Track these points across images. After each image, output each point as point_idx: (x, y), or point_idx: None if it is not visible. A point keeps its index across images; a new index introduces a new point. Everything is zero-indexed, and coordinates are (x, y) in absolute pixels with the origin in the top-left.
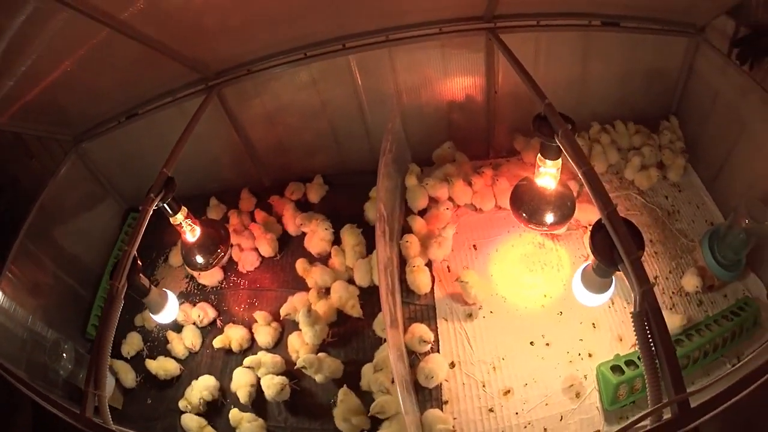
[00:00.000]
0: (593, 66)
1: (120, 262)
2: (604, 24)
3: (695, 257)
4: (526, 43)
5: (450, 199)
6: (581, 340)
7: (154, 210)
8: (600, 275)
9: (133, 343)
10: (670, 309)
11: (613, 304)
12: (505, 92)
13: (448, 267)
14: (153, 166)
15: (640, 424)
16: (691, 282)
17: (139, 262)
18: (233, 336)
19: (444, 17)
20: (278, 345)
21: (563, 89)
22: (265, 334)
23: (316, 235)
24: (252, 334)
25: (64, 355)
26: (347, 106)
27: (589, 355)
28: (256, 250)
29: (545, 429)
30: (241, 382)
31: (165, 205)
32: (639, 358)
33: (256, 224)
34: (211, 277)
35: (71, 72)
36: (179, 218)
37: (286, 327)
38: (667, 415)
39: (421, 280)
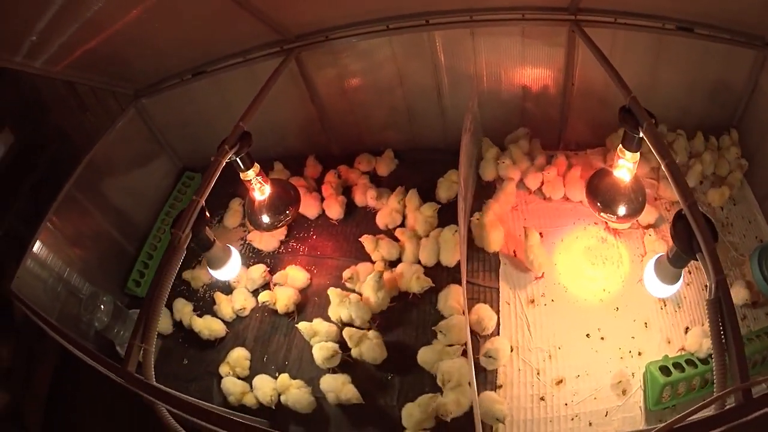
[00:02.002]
0: (663, 70)
1: (185, 211)
2: (678, 28)
3: (743, 271)
4: (602, 39)
5: (521, 182)
6: (633, 337)
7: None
8: (675, 264)
9: (179, 309)
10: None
11: (665, 305)
12: (581, 86)
13: (514, 252)
14: (213, 127)
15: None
16: (738, 294)
17: (207, 213)
18: (280, 296)
19: (528, 4)
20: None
21: (632, 90)
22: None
23: (388, 207)
24: (299, 295)
25: (102, 306)
26: (425, 82)
27: (639, 354)
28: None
29: (590, 423)
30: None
31: (238, 159)
32: (686, 362)
33: (327, 185)
34: (267, 243)
35: (138, 23)
36: (251, 174)
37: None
38: (730, 403)
39: (492, 235)
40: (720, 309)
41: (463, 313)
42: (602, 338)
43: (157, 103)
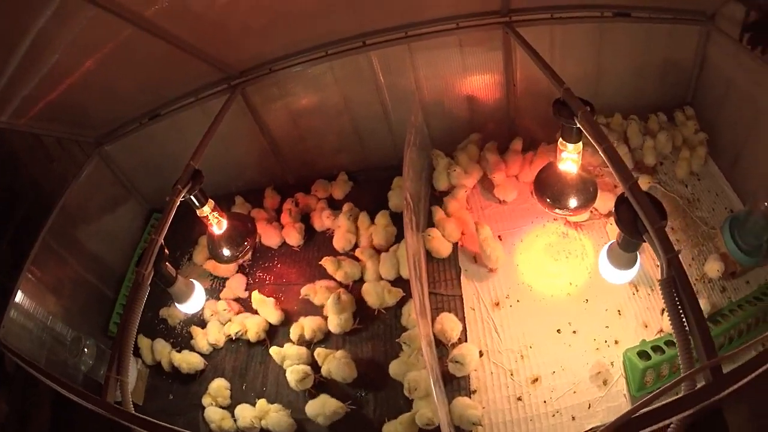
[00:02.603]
0: (607, 58)
1: (147, 250)
2: (615, 15)
3: (717, 244)
4: (540, 36)
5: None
6: (607, 327)
7: (180, 205)
8: (625, 249)
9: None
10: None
11: (637, 290)
12: (523, 86)
13: (474, 258)
14: (176, 168)
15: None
16: (713, 268)
17: (166, 250)
18: (250, 326)
19: (461, 12)
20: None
21: (578, 82)
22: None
23: (341, 229)
24: (268, 323)
25: (86, 350)
26: (369, 102)
27: (615, 342)
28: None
29: (573, 417)
30: None
31: (192, 197)
32: (666, 343)
33: (285, 213)
34: (225, 271)
35: (94, 72)
36: (206, 210)
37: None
38: (700, 382)
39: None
40: (675, 287)
41: (417, 322)
42: (574, 332)
43: (119, 149)
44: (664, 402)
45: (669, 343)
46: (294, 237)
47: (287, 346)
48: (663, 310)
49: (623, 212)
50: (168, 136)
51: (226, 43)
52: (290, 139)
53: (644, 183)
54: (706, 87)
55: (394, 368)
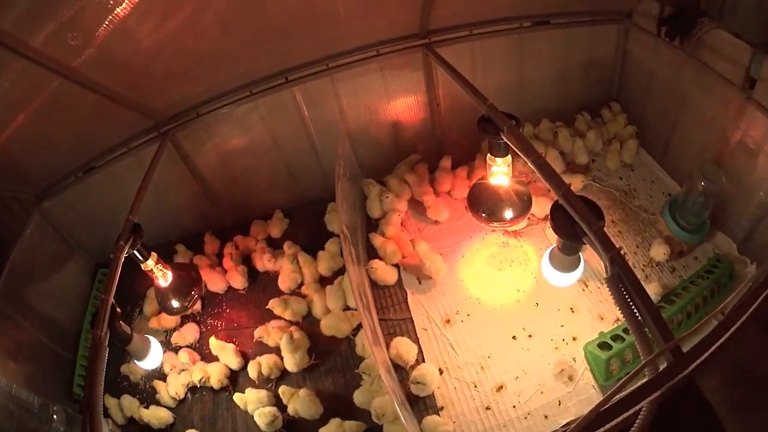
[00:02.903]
0: (530, 67)
1: (99, 310)
2: (534, 24)
3: (659, 228)
4: (461, 54)
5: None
6: (562, 326)
7: (124, 260)
8: (566, 253)
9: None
10: (644, 281)
11: (587, 286)
12: (447, 103)
13: (418, 279)
14: (115, 221)
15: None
16: (659, 251)
17: (118, 309)
18: (212, 373)
19: (381, 39)
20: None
21: (502, 93)
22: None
23: (285, 271)
24: (229, 369)
25: (55, 416)
26: (296, 138)
27: (574, 339)
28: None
29: (545, 416)
30: None
31: (135, 252)
32: (624, 330)
33: (226, 258)
34: (185, 338)
35: (28, 126)
36: (150, 264)
37: (256, 351)
38: (662, 365)
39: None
40: (621, 282)
41: (371, 351)
42: (530, 336)
43: (58, 205)
44: (632, 389)
45: (627, 330)
46: (238, 280)
47: (248, 390)
48: None
49: (559, 219)
50: (104, 188)
51: (152, 90)
52: (223, 181)
53: (579, 181)
54: (629, 81)
55: (358, 397)
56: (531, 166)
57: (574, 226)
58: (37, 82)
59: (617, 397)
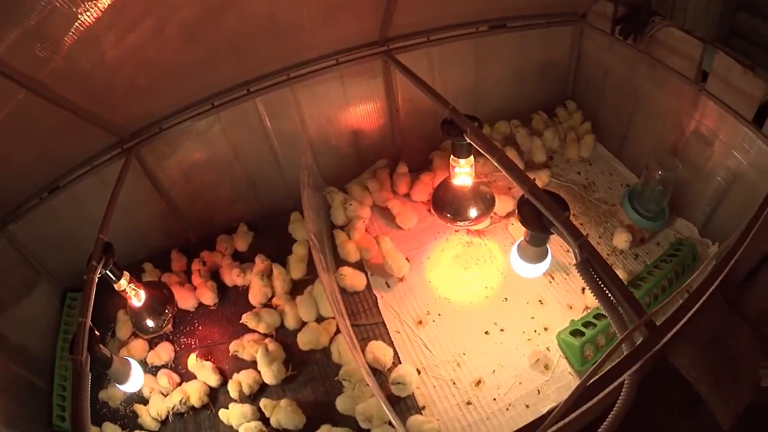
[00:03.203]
0: (486, 69)
1: (77, 334)
2: (491, 28)
3: (620, 218)
4: (418, 59)
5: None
6: (533, 318)
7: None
8: (534, 244)
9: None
10: None
11: (553, 278)
12: (406, 110)
13: (387, 283)
14: (81, 242)
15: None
16: (621, 239)
17: (96, 332)
18: (191, 392)
19: (340, 48)
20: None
21: (460, 96)
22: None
23: (255, 286)
24: (208, 386)
25: None
26: (259, 150)
27: (545, 329)
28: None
29: (527, 406)
30: None
31: (108, 272)
32: (595, 317)
33: (195, 274)
34: (159, 357)
35: None
36: (123, 284)
37: (233, 366)
38: (638, 340)
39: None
40: (592, 267)
41: (353, 355)
42: (502, 330)
43: (22, 228)
44: (611, 366)
45: (598, 316)
46: (209, 296)
47: (231, 406)
48: (583, 288)
49: (527, 212)
50: (68, 209)
51: (115, 105)
52: (187, 196)
53: (545, 177)
54: (584, 80)
55: (341, 404)
56: (496, 164)
57: (541, 218)
58: (2, 94)
59: (599, 373)
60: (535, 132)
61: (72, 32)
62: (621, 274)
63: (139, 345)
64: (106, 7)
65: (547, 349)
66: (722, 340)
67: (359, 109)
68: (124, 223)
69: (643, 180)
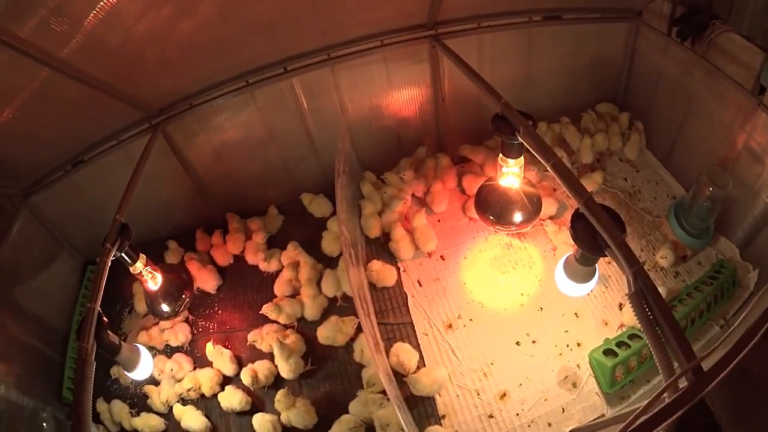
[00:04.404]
0: (537, 61)
1: (84, 320)
2: (545, 18)
3: (664, 232)
4: (468, 46)
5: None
6: (566, 331)
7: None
8: (584, 264)
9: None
10: None
11: (591, 291)
12: (452, 99)
13: (419, 281)
14: (105, 215)
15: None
16: (665, 256)
17: (104, 318)
18: (203, 380)
19: (385, 29)
20: None
21: (509, 88)
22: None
23: (283, 278)
24: (222, 375)
25: (45, 425)
26: (294, 131)
27: (578, 345)
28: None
29: (549, 424)
30: None
31: (123, 255)
32: (629, 337)
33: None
34: (176, 337)
35: (15, 119)
36: (139, 266)
37: (250, 356)
38: (682, 384)
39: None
40: (645, 299)
41: (374, 357)
42: (534, 342)
43: (46, 200)
44: (656, 410)
45: (632, 337)
46: (210, 282)
47: (228, 388)
48: (621, 305)
49: (581, 229)
50: (93, 183)
51: (142, 80)
52: (215, 175)
53: (599, 178)
54: (637, 80)
55: (353, 409)
56: (551, 171)
57: (596, 238)
58: (24, 73)
59: (640, 419)
60: (585, 131)
61: (96, 9)
62: (662, 292)
63: (156, 327)
64: None
65: (578, 366)
66: (749, 366)
67: (402, 95)
68: (149, 199)
69: (692, 195)
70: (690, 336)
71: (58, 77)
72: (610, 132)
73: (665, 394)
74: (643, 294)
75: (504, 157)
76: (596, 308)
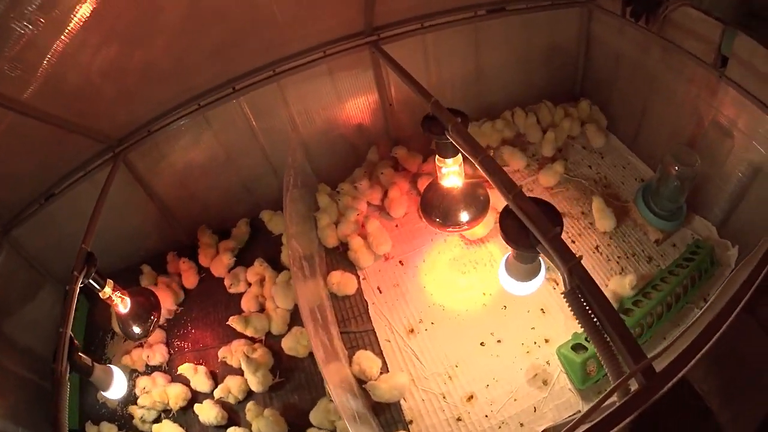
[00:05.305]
0: (487, 56)
1: (58, 345)
2: (489, 12)
3: (633, 217)
4: (414, 48)
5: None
6: (533, 328)
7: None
8: (524, 261)
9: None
10: (620, 273)
11: (557, 284)
12: (400, 103)
13: (379, 288)
14: (78, 245)
15: (608, 402)
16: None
17: (75, 341)
18: (171, 395)
19: (326, 39)
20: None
21: (460, 85)
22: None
23: (250, 293)
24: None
25: None
26: (249, 150)
27: (546, 341)
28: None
29: (521, 424)
30: None
31: (91, 281)
32: None
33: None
34: (154, 357)
35: None
36: (108, 291)
37: (223, 371)
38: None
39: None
40: (582, 296)
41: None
42: (499, 341)
43: (25, 233)
44: (602, 416)
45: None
46: (170, 301)
47: (205, 402)
48: None
49: (510, 226)
50: (66, 214)
51: (100, 114)
52: (181, 200)
53: (557, 171)
54: (595, 66)
55: (314, 418)
56: (478, 168)
57: (527, 234)
58: None
59: (582, 428)
60: (543, 122)
61: (50, 56)
62: (632, 279)
63: (137, 350)
64: (77, 28)
65: (547, 363)
66: (738, 349)
67: (351, 104)
68: (121, 226)
69: (659, 176)
70: (668, 322)
71: (22, 120)
72: (569, 119)
73: (614, 398)
74: (580, 290)
75: (441, 158)
76: (563, 302)
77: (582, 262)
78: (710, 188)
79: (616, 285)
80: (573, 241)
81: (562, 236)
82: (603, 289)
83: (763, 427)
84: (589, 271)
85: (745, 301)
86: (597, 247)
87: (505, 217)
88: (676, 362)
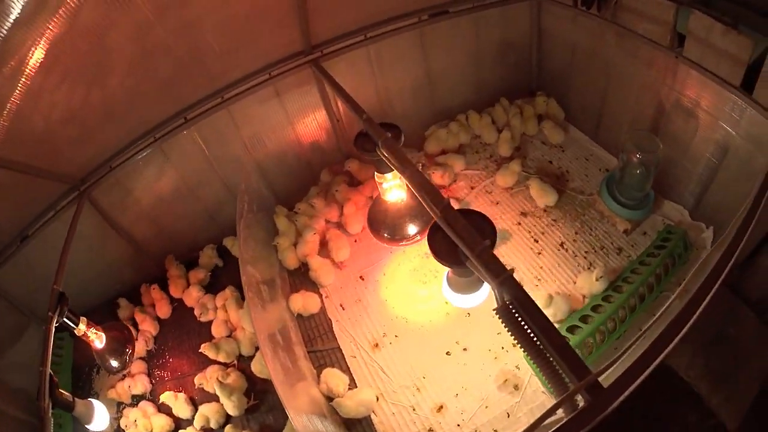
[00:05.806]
0: (437, 59)
1: (40, 383)
2: (432, 16)
3: (599, 209)
4: (358, 61)
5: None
6: (499, 333)
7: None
8: (462, 275)
9: None
10: (588, 269)
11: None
12: (349, 118)
13: (341, 305)
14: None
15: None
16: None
17: (54, 378)
18: (155, 424)
19: (269, 61)
20: None
21: (411, 93)
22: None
23: (218, 319)
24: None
25: None
26: (208, 179)
27: (514, 346)
28: None
29: (495, 431)
30: None
31: (65, 320)
32: (569, 330)
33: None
34: (137, 387)
35: None
36: (82, 328)
37: (201, 397)
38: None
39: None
40: (517, 311)
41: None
42: (465, 349)
43: (5, 275)
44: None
45: (572, 329)
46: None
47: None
48: (551, 296)
49: (438, 242)
50: (42, 254)
51: (59, 156)
52: (149, 233)
53: (514, 171)
54: (550, 58)
55: None
56: (407, 182)
57: (457, 251)
58: None
59: None
60: (499, 122)
61: (9, 106)
62: (599, 272)
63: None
64: (32, 74)
65: (517, 367)
66: (725, 331)
67: (301, 123)
68: (95, 262)
69: (621, 165)
70: (643, 313)
71: None
72: (524, 116)
73: (560, 412)
74: (513, 307)
75: (379, 174)
76: None
77: (539, 261)
78: (678, 172)
79: (584, 282)
80: (536, 240)
81: (496, 247)
82: (571, 287)
83: (755, 407)
84: (554, 269)
85: (720, 280)
86: (562, 244)
87: (435, 232)
88: (629, 373)
